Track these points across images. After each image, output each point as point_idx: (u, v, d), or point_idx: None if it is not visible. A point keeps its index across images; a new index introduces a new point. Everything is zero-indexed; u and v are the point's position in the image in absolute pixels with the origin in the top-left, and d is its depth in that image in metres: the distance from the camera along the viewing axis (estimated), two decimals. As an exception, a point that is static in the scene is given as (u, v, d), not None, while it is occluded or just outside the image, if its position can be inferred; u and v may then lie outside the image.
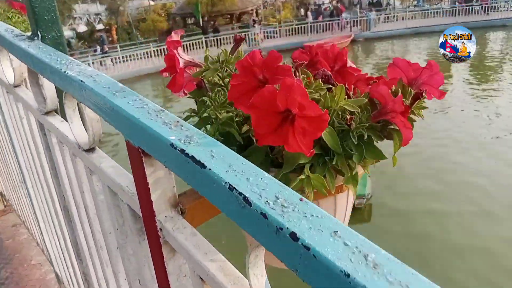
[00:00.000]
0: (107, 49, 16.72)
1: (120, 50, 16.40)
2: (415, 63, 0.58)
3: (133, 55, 16.07)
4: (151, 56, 16.08)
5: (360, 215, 6.00)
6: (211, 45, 17.19)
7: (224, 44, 17.49)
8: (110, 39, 20.19)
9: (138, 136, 0.47)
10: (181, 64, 0.56)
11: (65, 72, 0.62)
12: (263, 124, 0.45)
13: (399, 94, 0.52)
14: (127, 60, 15.81)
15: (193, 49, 16.65)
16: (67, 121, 0.77)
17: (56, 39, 0.85)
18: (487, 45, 15.37)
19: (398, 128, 0.51)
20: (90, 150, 0.70)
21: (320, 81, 0.52)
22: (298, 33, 18.73)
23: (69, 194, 0.92)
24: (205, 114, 0.56)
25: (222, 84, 0.58)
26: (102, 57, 15.72)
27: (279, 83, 0.45)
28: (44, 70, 0.70)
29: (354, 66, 0.65)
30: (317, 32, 18.68)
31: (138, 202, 0.56)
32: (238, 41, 0.61)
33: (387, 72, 0.60)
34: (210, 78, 0.58)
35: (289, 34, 18.89)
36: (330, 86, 0.52)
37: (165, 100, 12.22)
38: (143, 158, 0.49)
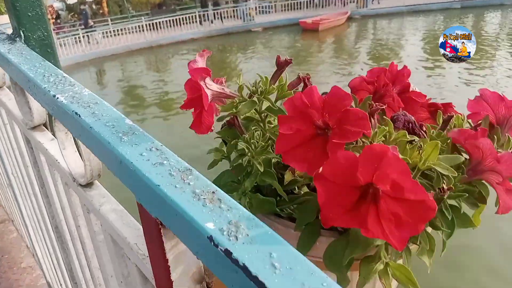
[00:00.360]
0: (91, 23, 15.96)
1: (111, 24, 15.88)
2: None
3: (125, 29, 15.56)
4: (143, 30, 15.60)
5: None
6: (204, 20, 16.76)
7: (224, 18, 17.03)
8: (101, 11, 19.56)
9: (156, 207, 0.35)
10: (210, 98, 0.43)
11: (54, 96, 0.48)
12: (334, 202, 0.32)
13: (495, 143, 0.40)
14: (118, 34, 15.30)
15: (186, 23, 16.23)
16: (58, 141, 0.64)
17: (42, 39, 0.70)
18: (484, 26, 15.12)
19: (487, 186, 0.40)
20: (87, 185, 0.58)
21: (406, 133, 0.39)
22: (294, 8, 18.28)
23: (61, 218, 0.80)
24: (239, 161, 0.43)
25: (259, 119, 0.45)
26: (92, 31, 15.12)
27: (350, 138, 0.33)
28: (28, 86, 0.57)
29: (416, 89, 0.52)
30: (315, 7, 18.25)
31: (151, 269, 0.44)
32: (282, 65, 0.48)
33: (468, 105, 0.48)
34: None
35: (285, 10, 18.42)
36: (415, 137, 0.40)
37: (159, 77, 11.92)
38: (162, 231, 0.37)
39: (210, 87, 0.44)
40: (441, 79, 9.48)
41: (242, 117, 0.47)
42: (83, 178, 0.56)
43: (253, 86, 0.46)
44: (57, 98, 0.48)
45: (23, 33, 0.69)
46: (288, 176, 0.44)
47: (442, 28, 15.12)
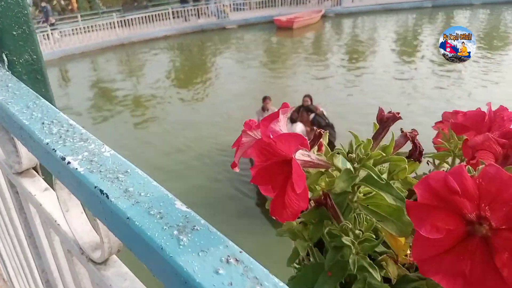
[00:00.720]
0: (53, 21, 15.22)
1: (81, 20, 15.33)
2: None
3: (95, 25, 15.04)
4: (114, 27, 15.14)
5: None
6: (178, 17, 16.42)
7: (201, 15, 16.71)
8: (69, 7, 18.87)
9: None
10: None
11: (63, 159, 0.35)
12: None
13: None
14: (88, 31, 14.76)
15: (159, 20, 15.87)
16: (57, 195, 0.50)
17: (31, 64, 0.56)
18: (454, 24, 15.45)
19: None
20: (102, 262, 0.45)
21: None
22: (269, 5, 18.16)
23: (55, 276, 0.66)
24: (338, 258, 0.32)
25: (351, 190, 0.33)
26: (54, 29, 14.39)
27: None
28: (20, 134, 0.43)
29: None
30: (289, 5, 18.19)
31: None
32: (388, 121, 0.36)
33: None
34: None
35: (259, 7, 18.28)
36: None
37: (130, 76, 11.59)
38: None
39: (300, 157, 0.32)
40: (414, 75, 9.61)
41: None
42: (97, 254, 0.44)
43: (348, 153, 0.34)
44: (68, 162, 0.35)
45: (6, 57, 0.55)
46: (392, 269, 0.33)
47: (412, 27, 15.40)
